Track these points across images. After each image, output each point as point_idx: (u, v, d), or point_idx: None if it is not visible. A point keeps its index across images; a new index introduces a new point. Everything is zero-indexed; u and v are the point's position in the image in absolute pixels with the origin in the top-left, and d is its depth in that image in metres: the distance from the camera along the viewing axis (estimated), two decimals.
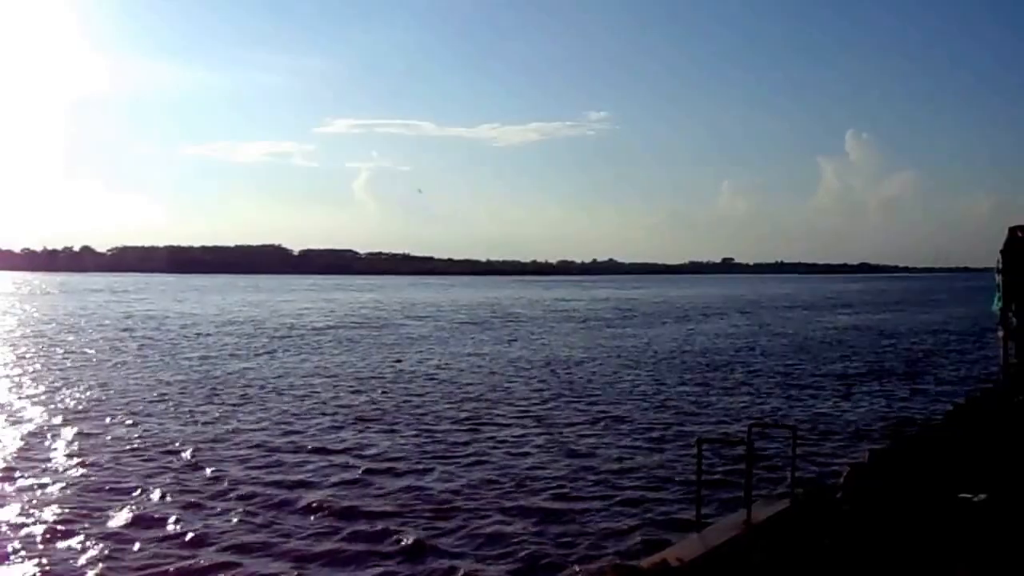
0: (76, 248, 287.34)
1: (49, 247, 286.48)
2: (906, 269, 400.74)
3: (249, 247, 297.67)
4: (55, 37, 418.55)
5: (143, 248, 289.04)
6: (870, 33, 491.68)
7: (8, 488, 17.48)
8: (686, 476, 16.88)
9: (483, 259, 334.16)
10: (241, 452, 20.91)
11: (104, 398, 29.52)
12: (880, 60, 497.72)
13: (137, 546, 13.94)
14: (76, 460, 19.95)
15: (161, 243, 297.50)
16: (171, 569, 13.01)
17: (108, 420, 25.21)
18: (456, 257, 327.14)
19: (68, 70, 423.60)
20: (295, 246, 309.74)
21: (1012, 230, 19.73)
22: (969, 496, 10.80)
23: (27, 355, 44.17)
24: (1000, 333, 19.75)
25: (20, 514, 15.56)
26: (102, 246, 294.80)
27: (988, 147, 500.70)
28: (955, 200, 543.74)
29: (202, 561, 13.32)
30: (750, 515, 11.13)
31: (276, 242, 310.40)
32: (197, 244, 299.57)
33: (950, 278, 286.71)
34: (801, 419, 25.04)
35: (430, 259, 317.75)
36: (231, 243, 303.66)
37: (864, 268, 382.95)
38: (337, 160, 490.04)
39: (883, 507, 10.89)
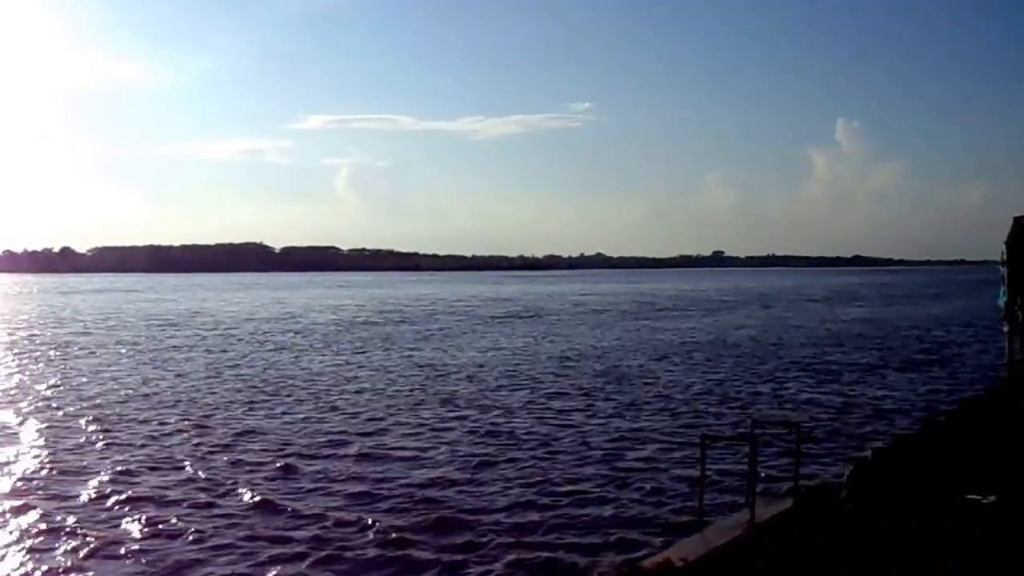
0: (56, 249, 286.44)
1: (29, 249, 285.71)
2: (900, 262, 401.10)
3: (230, 245, 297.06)
4: (28, 35, 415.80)
5: (124, 248, 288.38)
6: (860, 20, 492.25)
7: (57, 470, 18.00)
8: (690, 473, 16.77)
9: (468, 254, 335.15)
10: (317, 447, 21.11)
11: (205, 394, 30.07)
12: (870, 47, 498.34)
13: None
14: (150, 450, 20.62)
15: (140, 243, 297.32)
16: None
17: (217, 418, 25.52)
18: (440, 252, 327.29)
19: (34, 70, 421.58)
20: (276, 243, 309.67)
21: (1017, 219, 19.22)
22: (978, 498, 10.62)
23: (94, 352, 44.58)
24: (1005, 328, 19.44)
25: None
26: (80, 247, 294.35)
27: (981, 134, 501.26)
28: (949, 189, 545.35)
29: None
30: (753, 514, 10.99)
31: (256, 240, 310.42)
32: (177, 243, 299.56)
33: (949, 271, 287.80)
34: (810, 412, 25.17)
35: (414, 255, 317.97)
36: (211, 241, 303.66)
37: (857, 261, 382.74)
38: (314, 157, 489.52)
39: (888, 507, 10.72)
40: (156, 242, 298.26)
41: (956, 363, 38.27)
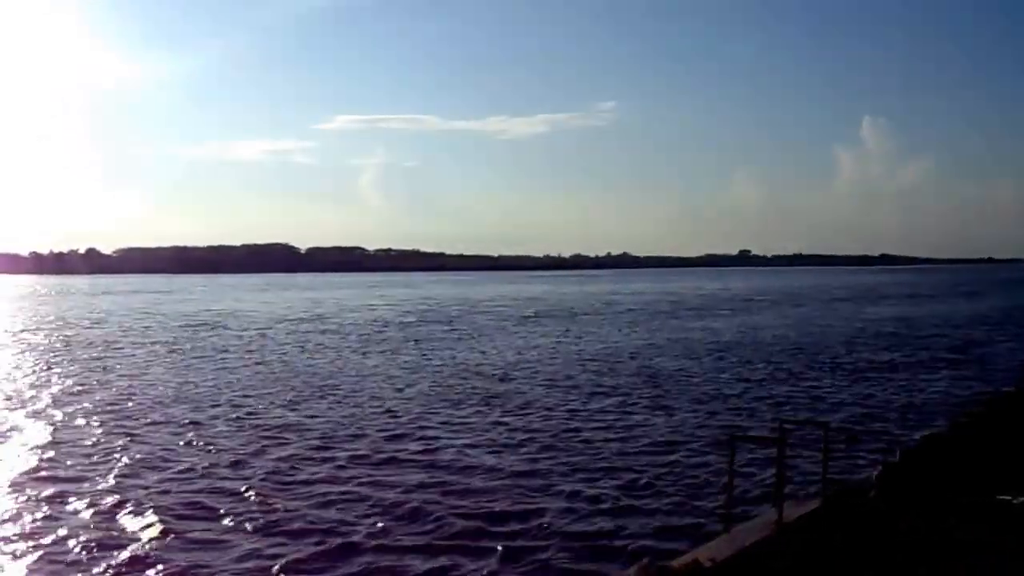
0: (82, 250, 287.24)
1: (55, 250, 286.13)
2: (928, 260, 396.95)
3: (256, 246, 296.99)
4: (49, 36, 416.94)
5: (149, 249, 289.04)
6: (884, 17, 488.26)
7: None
8: (719, 473, 16.81)
9: (494, 254, 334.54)
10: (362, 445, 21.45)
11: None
12: (895, 43, 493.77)
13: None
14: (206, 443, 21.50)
15: (166, 244, 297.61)
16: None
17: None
18: (466, 252, 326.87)
19: (57, 71, 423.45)
20: (301, 244, 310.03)
21: None
22: (1009, 498, 10.60)
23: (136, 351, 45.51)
24: None
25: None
26: (106, 248, 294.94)
27: (1009, 131, 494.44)
28: (977, 187, 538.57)
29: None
30: (781, 515, 11.00)
31: (282, 240, 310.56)
32: (203, 244, 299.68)
33: (978, 269, 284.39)
34: (840, 412, 25.25)
35: (440, 255, 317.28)
36: (237, 242, 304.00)
37: (884, 259, 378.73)
38: (340, 157, 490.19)
39: (917, 508, 10.72)
40: (181, 243, 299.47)
41: (986, 362, 37.97)
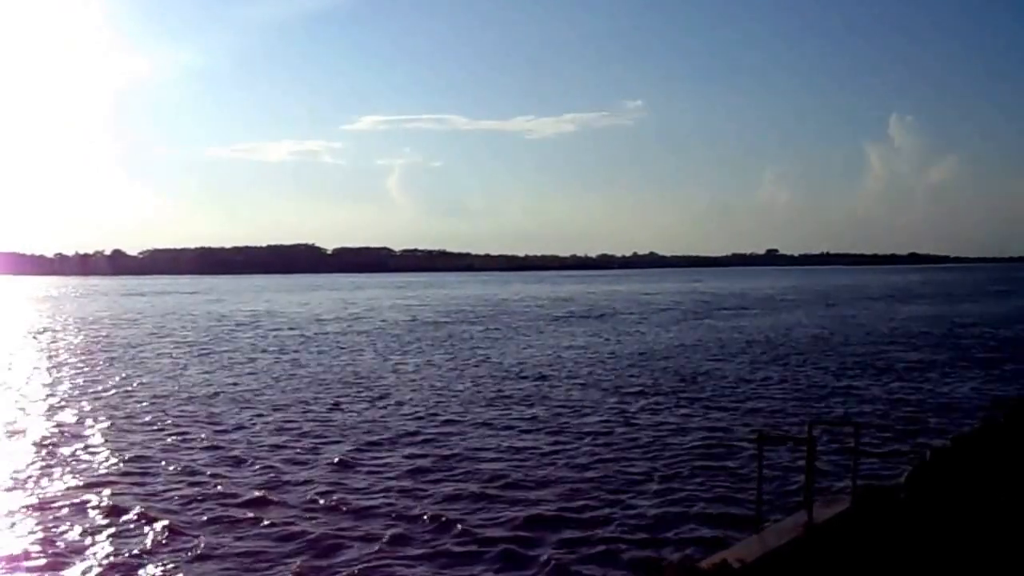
0: (106, 252, 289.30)
1: (80, 251, 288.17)
2: (958, 259, 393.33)
3: (281, 247, 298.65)
4: (71, 35, 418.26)
5: (174, 250, 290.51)
6: (911, 14, 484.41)
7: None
8: (749, 473, 16.77)
9: (521, 254, 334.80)
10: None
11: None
12: (922, 41, 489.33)
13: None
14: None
15: (190, 245, 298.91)
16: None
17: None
18: (493, 252, 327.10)
19: (83, 70, 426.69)
20: (327, 245, 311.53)
21: None
22: None
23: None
24: None
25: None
26: (130, 249, 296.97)
27: None
28: (1007, 185, 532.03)
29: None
30: (811, 515, 10.94)
31: (308, 241, 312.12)
32: (228, 245, 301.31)
33: (1009, 268, 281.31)
34: (872, 411, 25.17)
35: (467, 255, 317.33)
36: (263, 243, 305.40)
37: (913, 258, 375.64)
38: (366, 158, 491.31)
39: (947, 509, 10.63)
40: (206, 244, 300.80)
41: (1018, 362, 37.57)
